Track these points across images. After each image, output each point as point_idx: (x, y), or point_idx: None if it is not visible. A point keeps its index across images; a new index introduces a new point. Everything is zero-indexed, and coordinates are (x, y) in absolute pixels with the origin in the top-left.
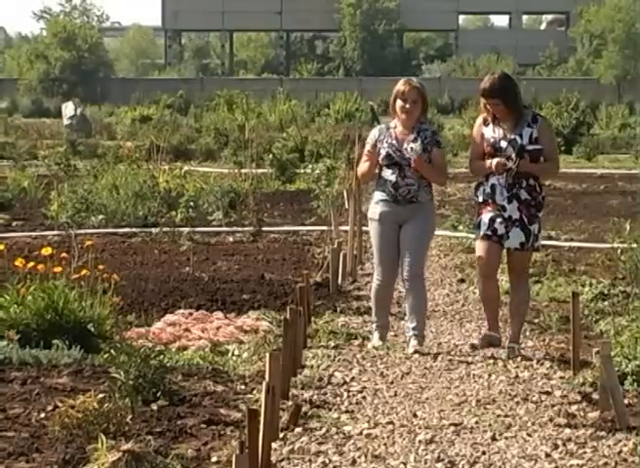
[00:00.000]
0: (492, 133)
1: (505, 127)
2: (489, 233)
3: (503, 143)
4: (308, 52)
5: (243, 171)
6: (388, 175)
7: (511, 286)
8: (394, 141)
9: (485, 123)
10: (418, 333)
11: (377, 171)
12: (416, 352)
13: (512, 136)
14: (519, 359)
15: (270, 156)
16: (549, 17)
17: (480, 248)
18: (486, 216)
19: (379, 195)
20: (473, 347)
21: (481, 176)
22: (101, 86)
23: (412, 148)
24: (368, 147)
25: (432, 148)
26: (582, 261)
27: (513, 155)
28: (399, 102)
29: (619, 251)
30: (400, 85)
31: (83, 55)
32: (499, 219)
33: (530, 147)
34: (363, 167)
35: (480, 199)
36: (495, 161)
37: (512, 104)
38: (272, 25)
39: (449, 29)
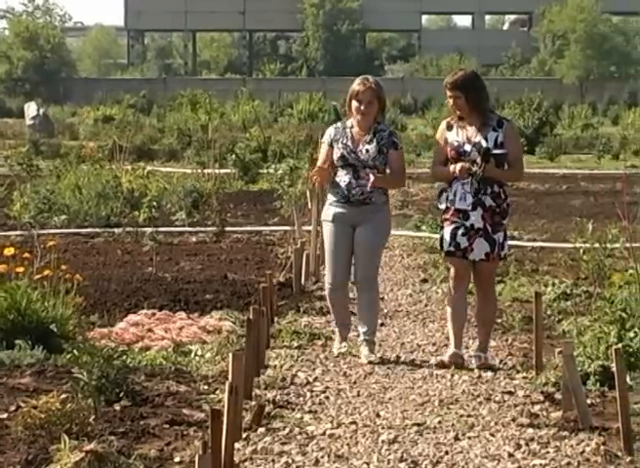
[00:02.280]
0: (455, 136)
1: (470, 130)
2: (451, 249)
3: (468, 147)
4: (271, 52)
5: (206, 171)
6: (342, 176)
7: (478, 296)
8: (349, 142)
9: (449, 128)
10: (368, 339)
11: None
12: (370, 363)
13: (477, 140)
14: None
15: (233, 156)
16: (512, 17)
17: (451, 261)
18: (447, 231)
19: (332, 197)
20: (442, 364)
21: (444, 183)
22: (64, 86)
23: (367, 150)
24: (324, 147)
25: (389, 150)
26: (545, 261)
27: (478, 159)
28: (354, 103)
29: (581, 251)
30: (355, 85)
31: (45, 55)
32: (460, 231)
33: (496, 151)
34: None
35: (443, 206)
36: (458, 165)
37: (474, 101)
38: (235, 25)
39: (412, 29)
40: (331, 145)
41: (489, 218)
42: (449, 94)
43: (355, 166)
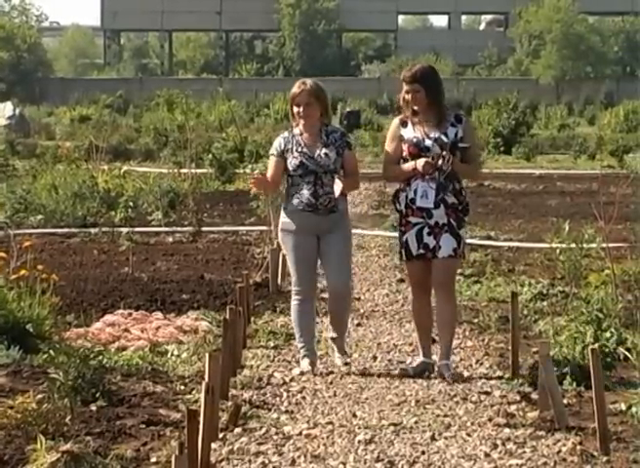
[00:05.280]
0: (412, 133)
1: (427, 126)
2: (422, 251)
3: (428, 142)
4: (248, 52)
5: (182, 171)
6: (304, 184)
7: (439, 299)
8: (305, 149)
9: (403, 124)
10: (339, 343)
11: (283, 182)
12: (346, 364)
13: (437, 135)
14: (454, 368)
15: (210, 156)
16: (488, 17)
17: (412, 268)
18: (412, 234)
19: (294, 205)
20: (405, 374)
21: (400, 182)
22: (40, 86)
23: (325, 154)
24: (273, 159)
25: (343, 151)
26: (521, 261)
27: (444, 153)
28: (294, 107)
29: (557, 251)
30: (293, 88)
31: (22, 54)
32: (425, 231)
33: (461, 144)
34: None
35: (402, 206)
36: (421, 161)
37: (433, 95)
38: (211, 25)
39: (388, 30)
40: (282, 156)
41: (452, 214)
42: (407, 87)
43: (316, 172)
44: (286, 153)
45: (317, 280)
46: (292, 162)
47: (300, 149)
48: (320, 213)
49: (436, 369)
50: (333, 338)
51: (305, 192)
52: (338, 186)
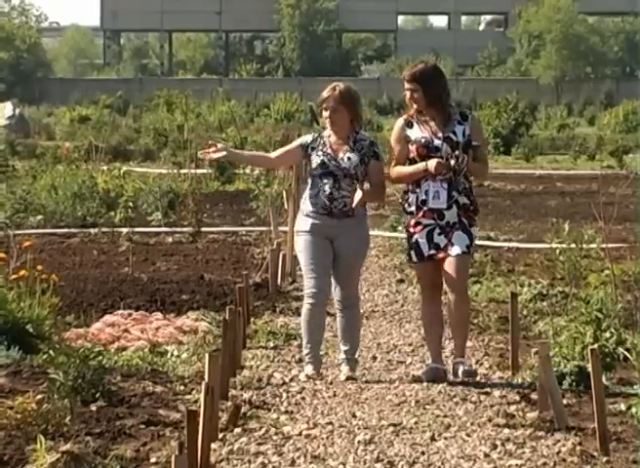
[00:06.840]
0: (419, 133)
1: (433, 125)
2: (433, 251)
3: (438, 142)
4: (247, 52)
5: (182, 171)
6: (322, 185)
7: (453, 299)
8: (329, 150)
9: (409, 125)
10: (350, 358)
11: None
12: (348, 379)
13: (445, 134)
14: (469, 365)
15: None
16: (488, 17)
17: (423, 269)
18: (422, 236)
19: (310, 207)
20: (417, 380)
21: (409, 184)
22: (40, 86)
23: (348, 158)
24: (293, 144)
25: (370, 160)
26: (521, 262)
27: (457, 152)
28: (323, 112)
29: (557, 251)
30: (324, 91)
31: (22, 55)
32: (436, 231)
33: (474, 143)
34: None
35: (413, 208)
36: (433, 162)
37: (432, 95)
38: (211, 26)
39: (388, 30)
40: (305, 149)
41: (463, 214)
42: (406, 86)
43: (336, 175)
44: (310, 151)
45: (330, 283)
46: (315, 160)
47: (324, 149)
48: (334, 216)
49: (451, 366)
50: (344, 351)
51: (322, 194)
52: (358, 195)
